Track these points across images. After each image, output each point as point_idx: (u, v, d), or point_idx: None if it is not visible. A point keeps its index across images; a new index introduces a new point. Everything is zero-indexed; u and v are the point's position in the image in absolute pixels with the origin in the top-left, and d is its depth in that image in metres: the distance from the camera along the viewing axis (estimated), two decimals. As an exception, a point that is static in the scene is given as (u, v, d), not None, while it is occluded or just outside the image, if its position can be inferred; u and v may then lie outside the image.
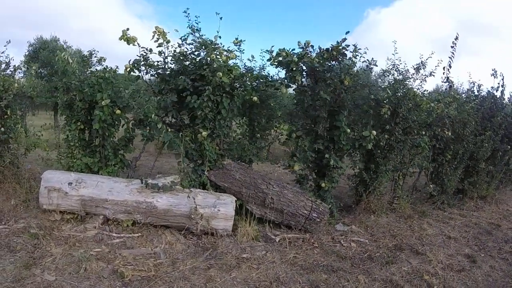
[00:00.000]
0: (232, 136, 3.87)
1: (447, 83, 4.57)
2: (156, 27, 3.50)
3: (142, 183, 3.33)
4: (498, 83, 5.11)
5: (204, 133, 3.38)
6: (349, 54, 3.69)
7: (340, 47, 3.57)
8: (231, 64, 3.50)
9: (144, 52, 3.75)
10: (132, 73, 3.58)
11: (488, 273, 3.24)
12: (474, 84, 5.13)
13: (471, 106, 4.54)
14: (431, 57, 3.99)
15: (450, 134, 4.46)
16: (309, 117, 3.77)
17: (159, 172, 4.91)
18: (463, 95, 5.11)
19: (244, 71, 3.79)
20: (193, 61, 3.59)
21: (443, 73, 4.44)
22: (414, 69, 4.07)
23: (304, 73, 3.65)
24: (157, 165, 5.89)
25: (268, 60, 3.59)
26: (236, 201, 3.45)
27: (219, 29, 3.60)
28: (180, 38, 3.70)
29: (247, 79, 3.64)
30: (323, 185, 3.86)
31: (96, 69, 3.94)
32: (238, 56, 3.61)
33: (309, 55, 3.56)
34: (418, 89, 4.20)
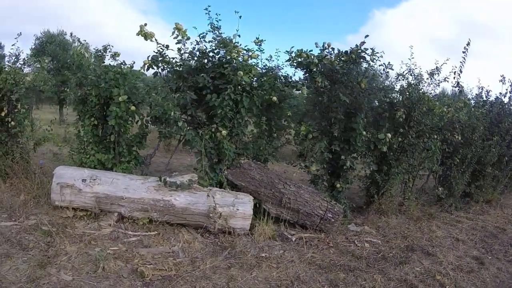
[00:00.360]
0: (247, 135, 3.86)
1: (457, 88, 4.64)
2: (176, 24, 3.47)
3: (160, 181, 3.30)
4: (506, 89, 5.22)
5: (224, 132, 3.37)
6: (366, 57, 3.72)
7: (359, 50, 3.60)
8: (252, 63, 3.50)
9: (161, 48, 3.72)
10: (151, 69, 3.53)
11: (495, 274, 3.32)
12: (482, 89, 5.22)
13: (481, 112, 4.62)
14: (446, 63, 4.06)
15: (459, 138, 4.54)
16: (326, 119, 3.80)
17: (168, 169, 4.88)
18: (472, 100, 5.19)
19: (264, 71, 3.79)
20: (212, 59, 3.57)
21: (453, 78, 4.51)
22: (428, 74, 4.13)
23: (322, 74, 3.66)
24: (165, 162, 5.85)
25: (287, 60, 3.59)
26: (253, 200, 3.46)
27: (238, 27, 3.59)
28: (199, 36, 3.69)
29: (266, 78, 3.64)
30: (338, 185, 3.89)
31: (109, 64, 3.87)
32: (259, 55, 3.61)
33: (329, 57, 3.57)
34: (431, 93, 4.27)
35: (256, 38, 3.60)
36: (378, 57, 3.79)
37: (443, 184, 4.89)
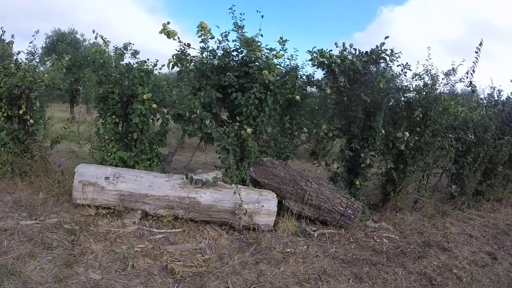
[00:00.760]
0: (269, 133, 3.91)
1: (470, 87, 4.72)
2: (201, 23, 3.51)
3: (186, 178, 3.34)
4: (517, 89, 5.30)
5: (249, 130, 3.42)
6: (386, 58, 3.78)
7: (380, 51, 3.66)
8: (275, 63, 3.54)
9: (182, 47, 3.75)
10: (175, 67, 3.56)
11: (508, 269, 3.44)
12: (494, 89, 5.32)
13: (494, 112, 4.71)
14: (462, 64, 4.14)
15: (472, 137, 4.62)
16: (346, 117, 3.86)
17: (184, 167, 4.91)
18: (484, 100, 5.28)
19: (288, 70, 3.84)
20: (236, 58, 3.60)
21: (466, 77, 4.60)
22: (444, 74, 4.20)
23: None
24: (181, 160, 5.87)
25: (310, 60, 3.64)
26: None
27: (261, 27, 3.64)
28: (221, 35, 3.72)
29: (288, 77, 3.69)
30: (357, 183, 3.97)
31: (129, 62, 3.90)
32: (283, 55, 3.65)
33: (350, 58, 3.63)
34: (446, 93, 4.34)
35: (280, 38, 3.65)
36: (396, 58, 3.87)
37: (456, 182, 4.99)
